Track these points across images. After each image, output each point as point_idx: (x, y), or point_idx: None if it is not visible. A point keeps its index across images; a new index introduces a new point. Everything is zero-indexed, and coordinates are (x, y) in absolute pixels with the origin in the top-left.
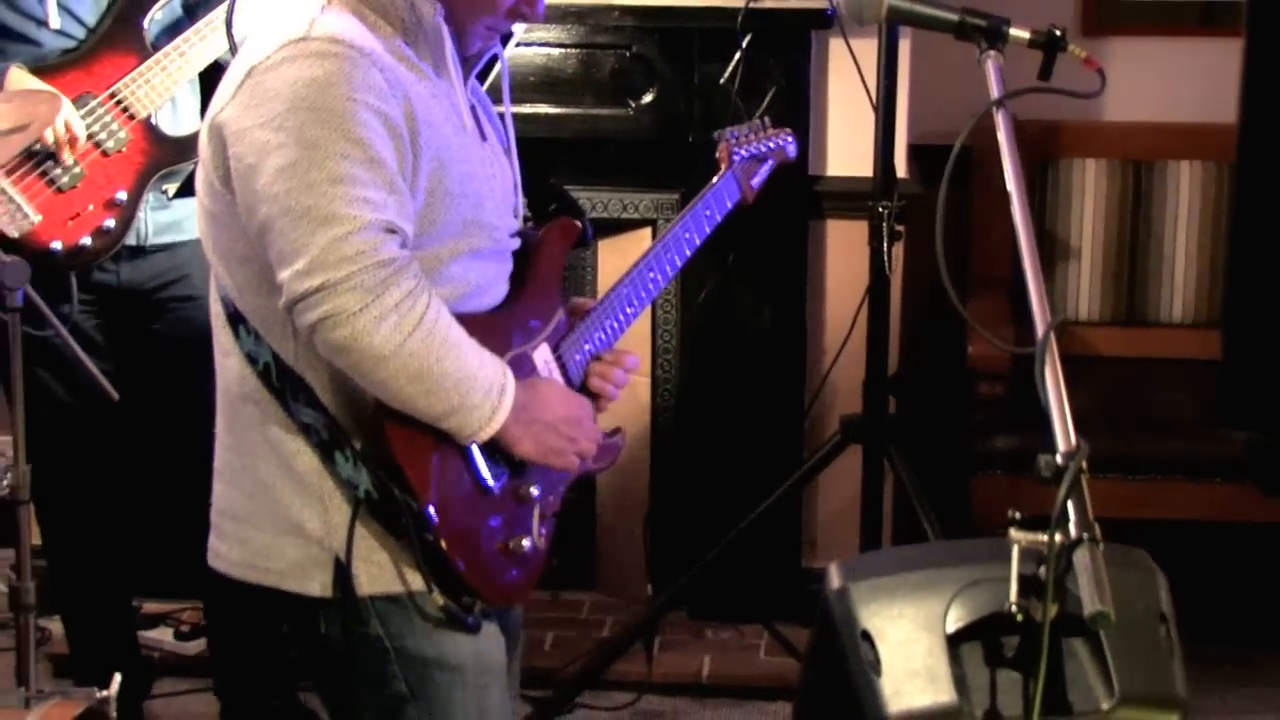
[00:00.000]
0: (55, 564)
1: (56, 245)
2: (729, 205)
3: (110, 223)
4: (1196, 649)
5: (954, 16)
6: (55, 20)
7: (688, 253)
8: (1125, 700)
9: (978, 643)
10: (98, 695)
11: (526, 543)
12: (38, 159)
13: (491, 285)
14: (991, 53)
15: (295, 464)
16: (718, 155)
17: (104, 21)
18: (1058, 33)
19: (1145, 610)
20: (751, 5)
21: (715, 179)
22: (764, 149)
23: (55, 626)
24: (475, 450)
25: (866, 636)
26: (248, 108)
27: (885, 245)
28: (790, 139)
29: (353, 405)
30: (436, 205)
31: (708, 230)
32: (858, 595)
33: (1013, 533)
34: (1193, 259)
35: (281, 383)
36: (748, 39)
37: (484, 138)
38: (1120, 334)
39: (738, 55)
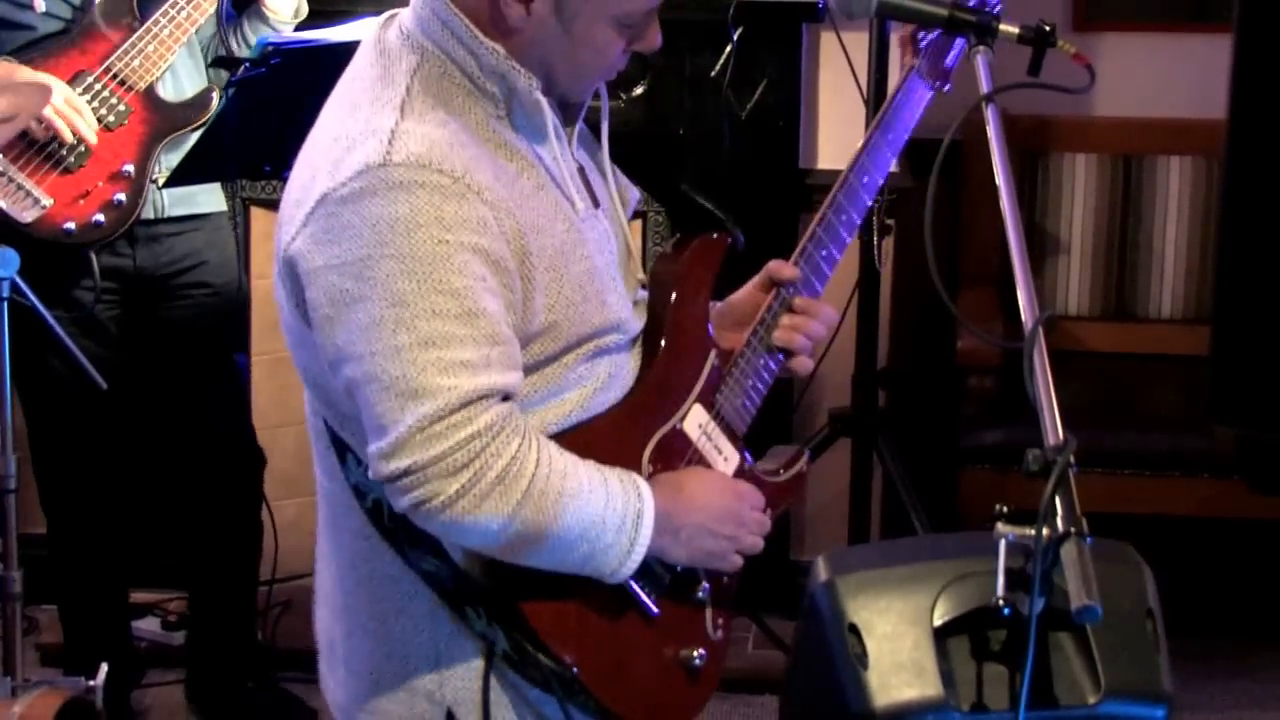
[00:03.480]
0: (56, 551)
1: (70, 225)
2: (919, 114)
3: (120, 196)
4: (1182, 644)
5: (944, 11)
6: (41, 3)
7: (868, 201)
8: (1111, 694)
9: (965, 636)
10: (85, 684)
11: (700, 652)
12: (41, 144)
13: (622, 369)
14: (981, 48)
15: (406, 610)
16: (899, 39)
17: None
18: (1047, 28)
19: (1131, 605)
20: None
21: (899, 84)
22: None
23: (42, 616)
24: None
25: (854, 629)
26: (321, 244)
27: (875, 239)
28: None
29: (480, 555)
30: (560, 322)
31: (891, 160)
32: (845, 588)
33: (1000, 527)
34: (1182, 255)
35: (395, 524)
36: (739, 32)
37: (596, 203)
38: (1109, 329)
39: (729, 48)
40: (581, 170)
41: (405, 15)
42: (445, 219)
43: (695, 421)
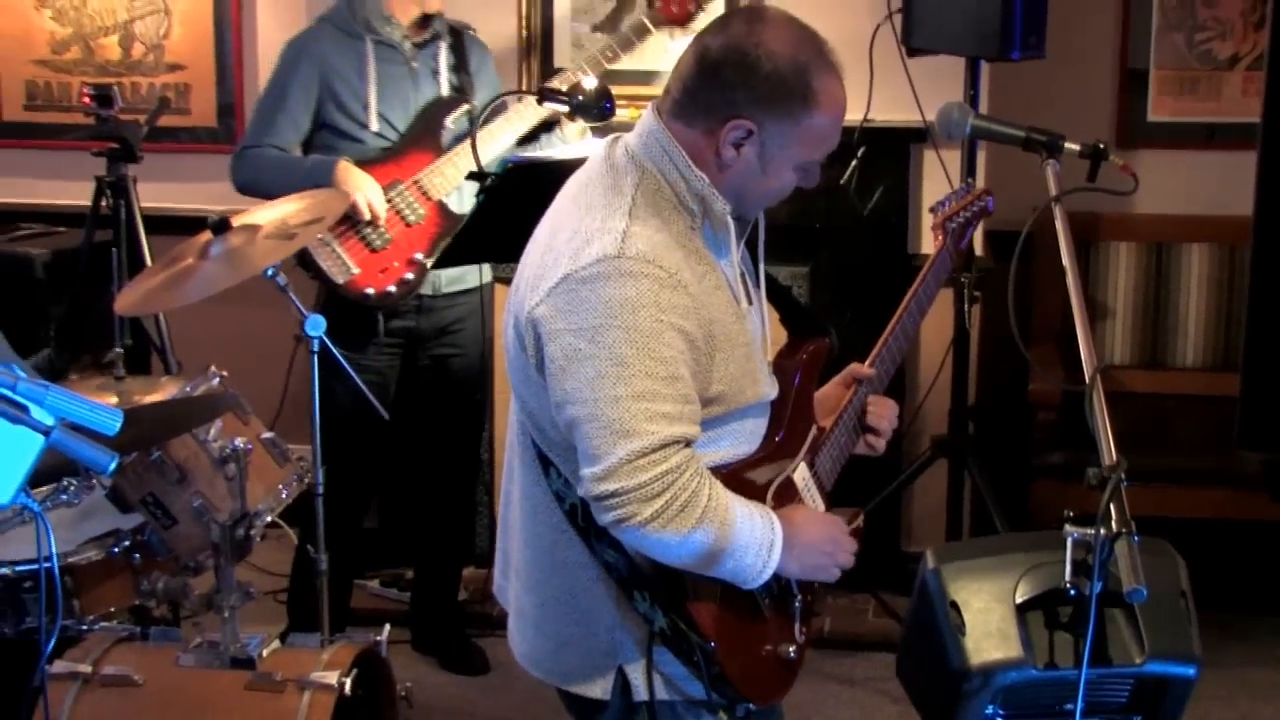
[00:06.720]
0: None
1: (370, 291)
2: (943, 278)
3: (410, 276)
4: (1207, 616)
5: (1021, 133)
6: (375, 124)
7: (912, 332)
8: (1154, 656)
9: (1040, 611)
10: (373, 639)
11: (792, 650)
12: (358, 226)
13: (759, 429)
14: (1050, 161)
15: (591, 589)
16: (932, 226)
17: (413, 128)
18: (1101, 146)
19: (1169, 587)
20: (865, 125)
21: (933, 258)
22: (971, 214)
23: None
24: None
25: (954, 605)
26: (563, 312)
27: (966, 307)
28: (990, 197)
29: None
30: (726, 393)
31: (928, 307)
32: (947, 574)
33: (1067, 527)
34: (1202, 318)
35: (587, 524)
36: (862, 150)
37: (750, 301)
38: (1146, 375)
39: (854, 162)
40: (743, 274)
41: (630, 138)
42: (662, 303)
43: (801, 475)
